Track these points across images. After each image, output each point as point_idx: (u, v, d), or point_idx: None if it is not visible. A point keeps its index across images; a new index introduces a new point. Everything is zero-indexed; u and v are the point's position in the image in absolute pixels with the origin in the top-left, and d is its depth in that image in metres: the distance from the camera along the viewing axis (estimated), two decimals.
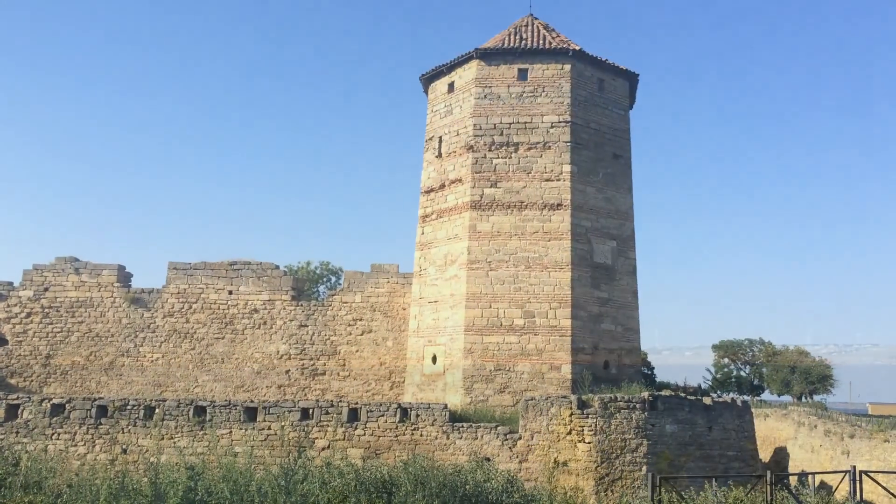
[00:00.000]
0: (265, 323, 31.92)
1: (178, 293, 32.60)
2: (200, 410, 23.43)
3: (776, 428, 61.67)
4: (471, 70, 29.32)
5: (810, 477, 15.91)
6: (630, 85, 31.22)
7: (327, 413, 22.92)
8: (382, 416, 22.76)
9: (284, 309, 32.00)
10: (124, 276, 33.74)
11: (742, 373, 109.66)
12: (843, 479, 13.82)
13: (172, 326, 32.29)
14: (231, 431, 22.91)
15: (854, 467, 13.99)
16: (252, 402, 23.84)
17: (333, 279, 63.82)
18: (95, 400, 23.89)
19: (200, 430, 22.87)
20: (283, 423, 22.41)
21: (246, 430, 22.76)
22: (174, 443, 22.49)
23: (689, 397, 24.42)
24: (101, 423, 23.41)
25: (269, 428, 22.71)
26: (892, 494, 15.30)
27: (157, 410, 23.42)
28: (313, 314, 31.85)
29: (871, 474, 14.33)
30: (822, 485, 20.69)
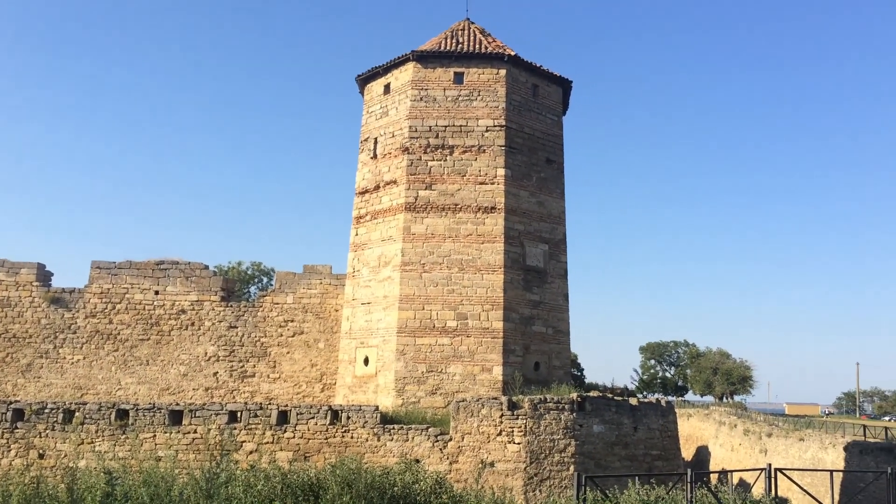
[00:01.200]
0: (193, 324, 31.21)
1: (102, 293, 31.60)
2: (123, 414, 22.78)
3: (699, 427, 63.85)
4: (407, 72, 29.36)
5: (730, 475, 16.44)
6: (563, 91, 31.77)
7: (256, 416, 22.59)
8: (313, 418, 22.56)
9: (213, 310, 31.36)
10: (44, 275, 32.51)
11: (667, 374, 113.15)
12: (759, 476, 14.35)
13: (95, 327, 31.27)
14: (155, 435, 22.34)
15: (770, 465, 14.54)
16: (178, 404, 23.30)
17: (265, 280, 62.98)
18: (11, 403, 22.98)
19: (122, 435, 22.24)
20: (209, 427, 21.98)
21: (171, 433, 22.22)
22: (94, 447, 21.80)
23: (616, 398, 25.01)
24: (16, 428, 22.53)
25: (195, 431, 22.24)
26: (804, 491, 15.98)
27: (76, 414, 22.66)
28: (243, 315, 31.31)
29: (786, 471, 14.92)
30: (741, 482, 21.43)
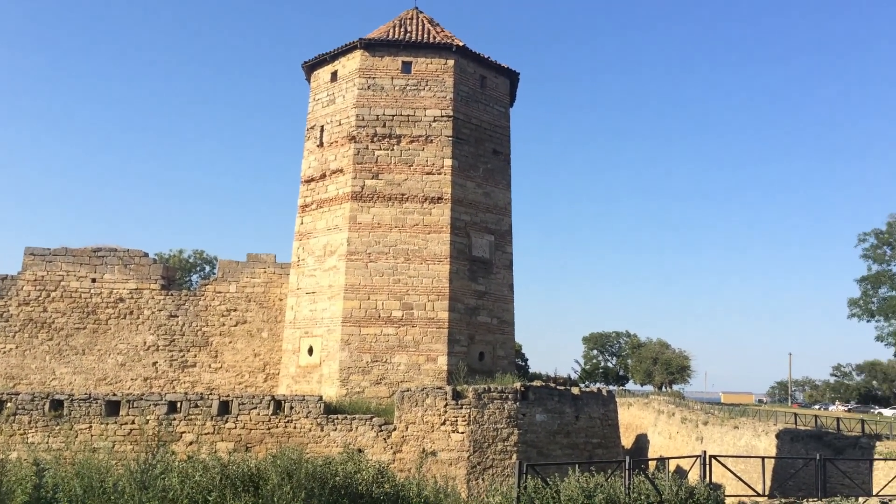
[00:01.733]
0: (131, 313, 30.49)
1: (36, 280, 30.60)
2: (57, 404, 22.17)
3: (638, 416, 65.25)
4: (354, 60, 29.10)
5: (667, 462, 16.86)
6: (511, 83, 31.91)
7: (196, 406, 22.23)
8: (255, 408, 22.32)
9: (153, 298, 30.68)
10: None
11: (609, 364, 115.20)
12: (695, 463, 14.74)
13: (28, 316, 30.28)
14: (91, 426, 21.80)
15: (704, 452, 14.95)
16: (115, 395, 22.77)
17: (207, 268, 61.94)
18: None
19: (57, 426, 21.63)
20: (148, 417, 21.54)
21: (107, 424, 21.73)
22: (26, 439, 21.17)
23: (558, 388, 25.35)
24: None
25: (133, 422, 21.78)
26: (738, 477, 16.49)
27: (8, 404, 21.97)
28: (184, 304, 30.71)
29: (720, 458, 15.36)
30: (679, 469, 21.96)
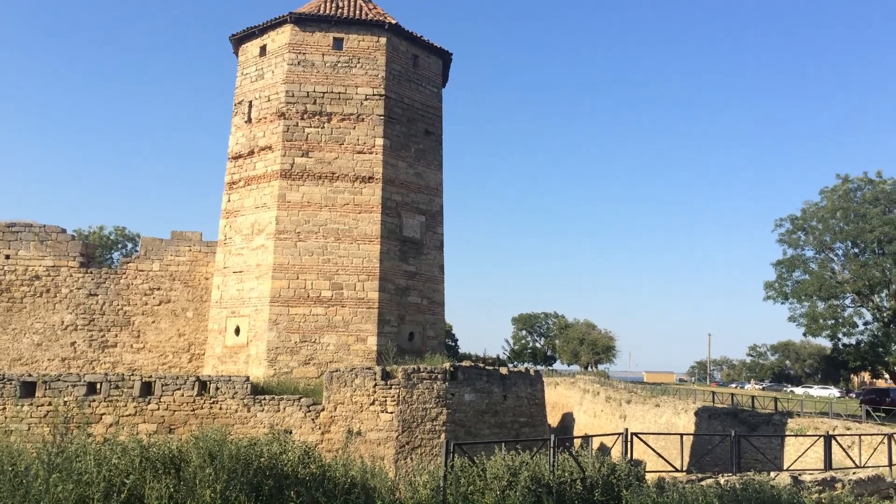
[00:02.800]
0: (48, 291, 29.31)
1: None
2: None
3: (565, 395, 66.69)
4: (284, 34, 28.47)
5: (591, 439, 17.28)
6: (444, 63, 31.80)
7: (117, 387, 21.60)
8: (179, 389, 21.82)
9: (71, 276, 29.55)
10: None
11: (537, 344, 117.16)
12: (617, 440, 15.14)
13: None
14: (5, 408, 20.96)
15: (627, 430, 15.39)
16: (30, 375, 21.90)
17: (130, 246, 60.02)
18: None
19: None
20: (65, 399, 20.81)
21: (22, 406, 20.91)
22: None
23: (487, 368, 25.64)
24: None
25: (50, 404, 21.00)
26: (657, 453, 17.02)
27: None
28: (104, 282, 29.69)
29: (641, 435, 15.82)
30: (602, 446, 22.52)
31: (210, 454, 7.49)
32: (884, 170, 44.52)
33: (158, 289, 29.95)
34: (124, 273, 29.96)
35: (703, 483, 12.85)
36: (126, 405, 21.40)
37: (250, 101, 29.13)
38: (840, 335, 44.37)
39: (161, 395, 21.67)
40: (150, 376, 22.27)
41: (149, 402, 21.60)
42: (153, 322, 29.69)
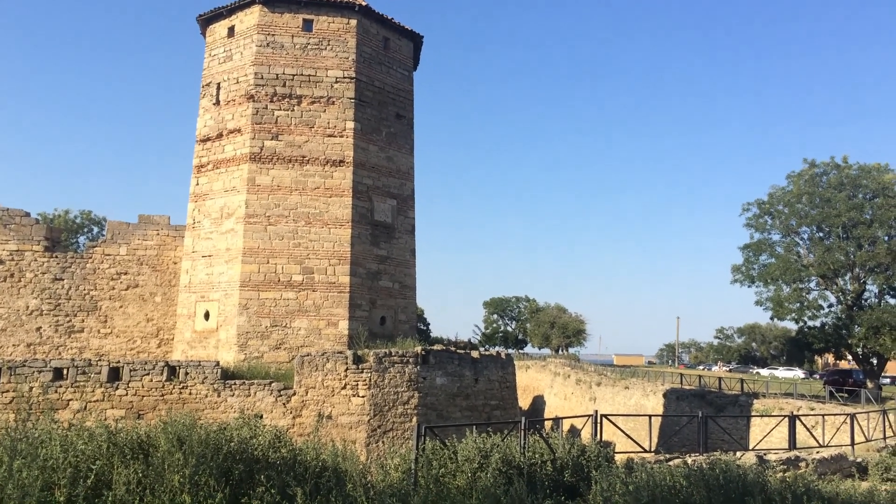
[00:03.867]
0: (12, 275, 28.75)
1: None
2: None
3: (536, 378, 67.21)
4: (253, 15, 28.06)
5: (561, 421, 17.45)
6: (415, 46, 31.59)
7: (84, 373, 21.30)
8: (147, 374, 21.59)
9: (36, 261, 29.00)
10: None
11: (509, 328, 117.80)
12: (586, 422, 15.32)
13: None
14: None
15: (596, 412, 15.58)
16: None
17: (96, 230, 59.09)
18: None
19: None
20: (31, 385, 20.49)
21: None
22: None
23: (459, 351, 25.72)
24: None
25: (15, 390, 20.65)
26: (626, 434, 17.25)
27: None
28: (70, 267, 29.20)
29: (611, 417, 16.03)
30: (572, 428, 22.75)
31: (179, 439, 7.43)
32: (850, 155, 45.18)
33: (126, 273, 29.54)
34: (91, 257, 29.49)
35: (671, 463, 13.05)
36: (93, 391, 21.13)
37: (218, 83, 28.71)
38: (805, 318, 45.21)
39: (129, 381, 21.42)
40: (118, 361, 22.00)
41: (117, 388, 21.35)
42: (121, 307, 29.30)
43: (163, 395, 21.48)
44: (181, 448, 7.26)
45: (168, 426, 7.78)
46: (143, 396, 21.40)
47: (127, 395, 21.35)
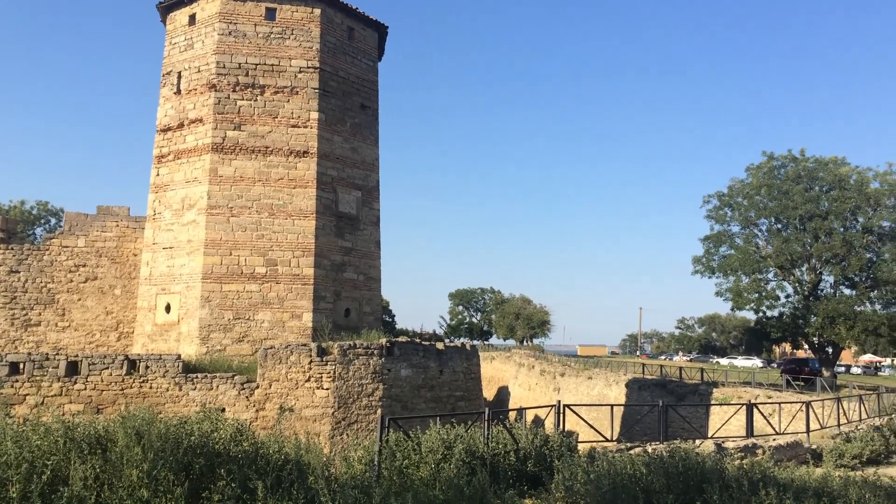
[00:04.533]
0: None
1: None
2: None
3: (501, 369, 67.59)
4: (215, 3, 27.63)
5: (525, 412, 17.56)
6: (380, 36, 31.41)
7: (41, 367, 20.88)
8: (107, 368, 21.24)
9: None
10: None
11: (474, 319, 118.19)
12: (550, 412, 15.44)
13: None
14: None
15: (559, 402, 15.70)
16: None
17: (53, 221, 57.93)
18: None
19: None
20: None
21: None
22: None
23: (423, 343, 25.75)
24: None
25: None
26: (589, 424, 17.44)
27: None
28: (27, 259, 28.57)
29: (574, 407, 16.17)
30: (536, 418, 22.93)
31: (137, 433, 7.31)
32: (807, 148, 46.08)
33: (84, 265, 29.00)
34: (48, 249, 28.89)
35: (632, 452, 13.24)
36: (51, 385, 20.73)
37: (179, 72, 28.25)
38: (763, 308, 46.07)
39: (88, 375, 21.06)
40: (77, 355, 21.60)
41: (75, 382, 20.97)
42: (79, 300, 28.76)
43: (122, 390, 21.16)
44: (140, 443, 7.16)
45: (127, 420, 7.66)
46: (103, 391, 21.06)
47: (86, 389, 20.99)
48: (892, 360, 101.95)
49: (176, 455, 7.10)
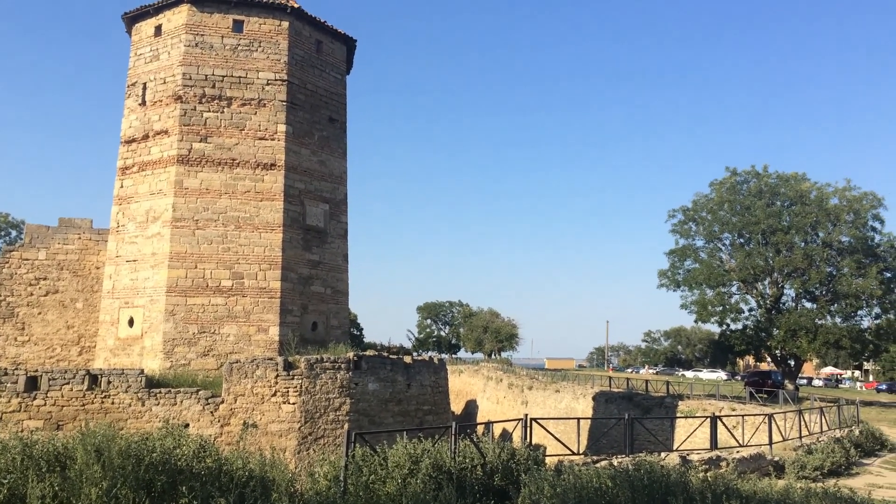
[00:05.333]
0: None
1: None
2: None
3: (469, 382, 67.54)
4: (181, 14, 27.44)
5: (492, 426, 17.57)
6: (348, 50, 31.43)
7: (0, 382, 20.38)
8: (67, 383, 20.81)
9: None
10: None
11: (442, 332, 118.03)
12: (517, 426, 15.47)
13: None
14: None
15: (526, 416, 15.75)
16: None
17: (14, 233, 56.77)
18: None
19: None
20: None
21: None
22: None
23: (391, 357, 25.66)
24: None
25: None
26: (556, 438, 17.49)
27: None
28: None
29: (541, 421, 16.23)
30: (504, 432, 22.95)
31: (97, 450, 7.18)
32: (770, 164, 47.04)
33: (45, 279, 28.45)
34: (7, 262, 28.29)
35: (599, 465, 13.32)
36: (9, 401, 20.25)
37: (144, 83, 27.96)
38: (727, 321, 46.78)
39: (48, 390, 20.61)
40: (37, 370, 21.14)
41: (34, 398, 20.51)
42: (39, 314, 28.19)
43: (83, 405, 20.74)
44: (100, 460, 7.03)
45: (86, 437, 7.52)
46: (63, 406, 20.62)
47: (45, 405, 20.54)
48: (852, 373, 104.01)
49: (137, 472, 6.99)
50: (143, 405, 21.05)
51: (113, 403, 20.94)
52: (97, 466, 6.88)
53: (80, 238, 29.00)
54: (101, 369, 22.00)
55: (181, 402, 21.40)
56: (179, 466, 7.59)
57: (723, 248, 48.21)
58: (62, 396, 20.69)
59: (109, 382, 21.09)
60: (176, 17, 27.62)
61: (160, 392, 21.32)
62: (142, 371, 21.72)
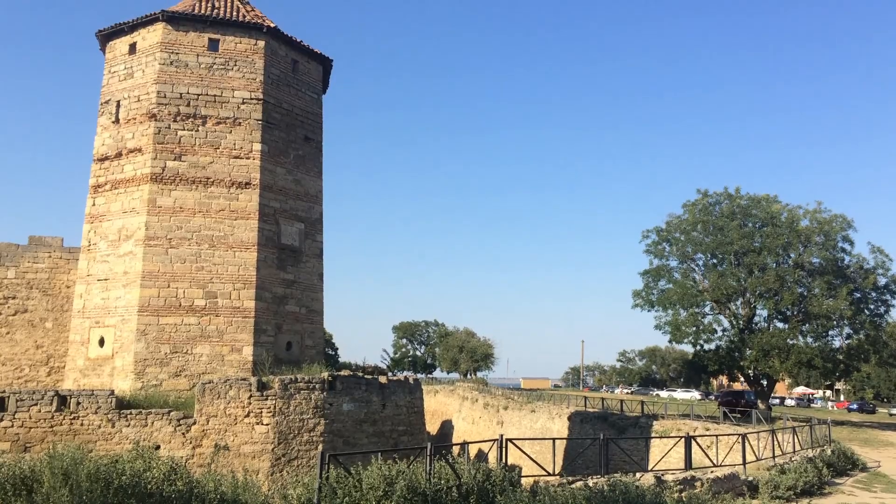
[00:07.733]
0: None
1: None
2: None
3: (445, 402, 67.27)
4: (156, 33, 27.33)
5: (468, 446, 17.49)
6: (324, 69, 31.49)
7: None
8: (35, 404, 20.42)
9: None
10: None
11: (418, 352, 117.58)
12: (492, 446, 15.40)
13: None
14: None
15: (502, 436, 15.69)
16: None
17: None
18: None
19: None
20: None
21: None
22: None
23: (366, 376, 25.49)
24: None
25: None
26: (531, 458, 17.46)
27: None
28: None
29: (516, 441, 16.17)
30: (480, 452, 22.85)
31: (65, 473, 7.04)
32: (742, 186, 47.74)
33: (14, 297, 27.97)
34: None
35: (574, 486, 13.30)
36: None
37: (118, 101, 27.75)
38: (701, 341, 47.07)
39: (16, 412, 20.20)
40: (4, 391, 20.71)
41: (1, 420, 20.08)
42: (7, 333, 27.67)
43: (52, 427, 20.34)
44: (67, 483, 6.88)
45: (54, 460, 7.36)
46: (31, 428, 20.21)
47: (13, 426, 20.12)
48: (824, 392, 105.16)
49: (105, 496, 6.85)
50: (113, 426, 20.69)
51: (82, 425, 20.56)
52: (65, 490, 6.73)
53: (50, 256, 28.58)
54: (70, 390, 21.62)
55: (152, 423, 21.06)
56: (149, 490, 7.45)
57: (696, 268, 48.67)
58: (30, 418, 20.29)
59: (79, 403, 20.73)
60: (151, 36, 27.50)
61: (131, 413, 20.97)
62: (112, 392, 21.37)
